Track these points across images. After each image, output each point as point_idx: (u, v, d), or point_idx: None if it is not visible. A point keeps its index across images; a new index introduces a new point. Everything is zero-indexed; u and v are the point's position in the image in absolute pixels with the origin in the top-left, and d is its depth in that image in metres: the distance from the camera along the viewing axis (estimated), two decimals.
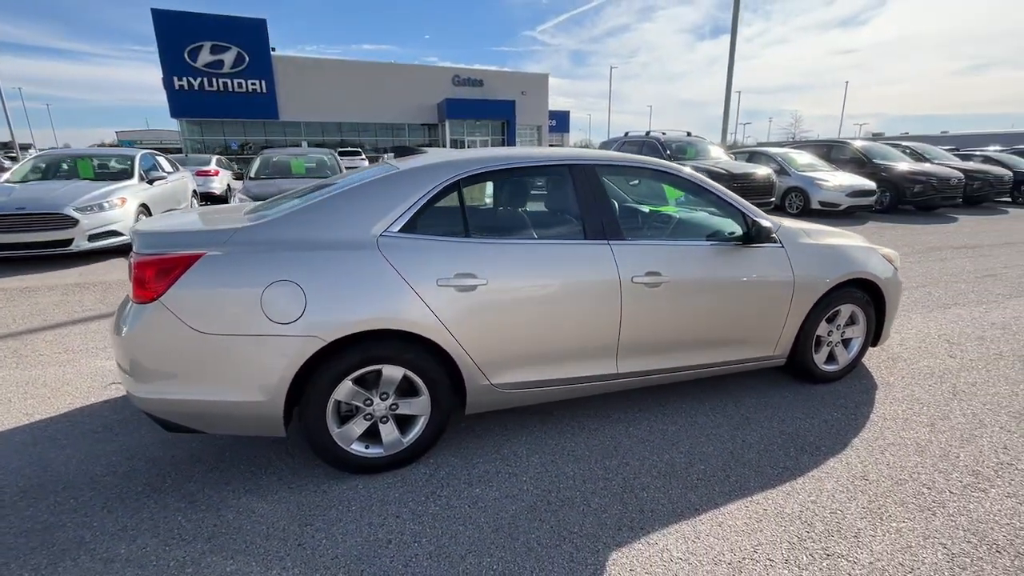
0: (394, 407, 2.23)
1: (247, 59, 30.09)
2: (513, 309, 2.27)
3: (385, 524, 1.96)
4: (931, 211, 11.30)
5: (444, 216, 2.31)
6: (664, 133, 11.72)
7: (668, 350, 2.62)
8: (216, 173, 13.21)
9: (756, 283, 2.71)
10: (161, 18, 28.06)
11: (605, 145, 13.19)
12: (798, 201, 10.66)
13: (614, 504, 2.07)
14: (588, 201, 2.51)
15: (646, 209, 3.57)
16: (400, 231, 2.19)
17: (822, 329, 2.99)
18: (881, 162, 11.47)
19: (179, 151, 29.32)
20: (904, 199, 10.81)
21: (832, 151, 12.33)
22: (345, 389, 2.12)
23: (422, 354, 2.18)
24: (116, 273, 5.84)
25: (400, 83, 34.81)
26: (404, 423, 2.31)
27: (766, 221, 2.76)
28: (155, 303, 1.93)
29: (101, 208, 6.41)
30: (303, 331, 1.99)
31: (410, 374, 2.19)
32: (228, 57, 29.73)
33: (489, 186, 3.15)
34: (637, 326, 2.49)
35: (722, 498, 2.10)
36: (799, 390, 3.02)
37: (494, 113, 34.99)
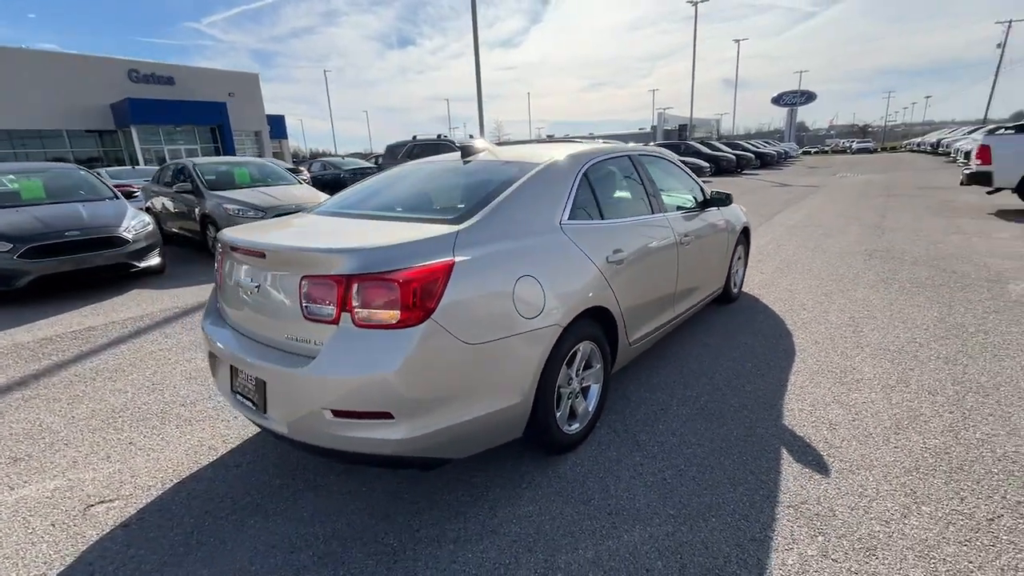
0: (582, 381, 2.45)
1: None
2: (638, 275, 2.74)
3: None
4: (729, 174, 20.40)
5: (585, 202, 2.58)
6: (443, 136, 12.59)
7: (690, 293, 3.48)
8: None
9: (716, 232, 3.83)
10: None
11: (390, 148, 13.27)
12: None
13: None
14: (648, 183, 3.13)
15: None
16: (568, 219, 2.40)
17: (735, 264, 4.37)
18: (706, 151, 22.19)
19: None
20: (720, 169, 21.12)
21: (681, 148, 21.41)
22: (561, 373, 2.25)
23: (599, 327, 2.46)
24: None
25: (44, 78, 25.89)
26: (583, 395, 2.53)
27: (710, 192, 3.88)
28: (428, 322, 1.71)
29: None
30: (546, 322, 2.06)
31: (593, 347, 2.44)
32: None
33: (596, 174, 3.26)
34: (684, 275, 3.27)
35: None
36: (726, 310, 4.35)
37: (199, 117, 29.53)
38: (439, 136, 12.40)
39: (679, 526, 1.91)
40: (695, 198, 3.75)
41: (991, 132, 9.11)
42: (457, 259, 1.84)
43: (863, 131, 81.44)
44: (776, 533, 1.85)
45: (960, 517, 1.89)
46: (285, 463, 2.44)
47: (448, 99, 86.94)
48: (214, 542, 1.95)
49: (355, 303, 1.72)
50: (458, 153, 2.99)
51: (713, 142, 27.85)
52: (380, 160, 13.74)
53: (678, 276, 3.20)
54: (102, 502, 2.22)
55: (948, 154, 24.75)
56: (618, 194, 2.99)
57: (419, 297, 1.71)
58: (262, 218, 6.88)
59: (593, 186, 2.67)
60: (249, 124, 33.72)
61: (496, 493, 2.15)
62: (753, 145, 30.57)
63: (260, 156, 28.91)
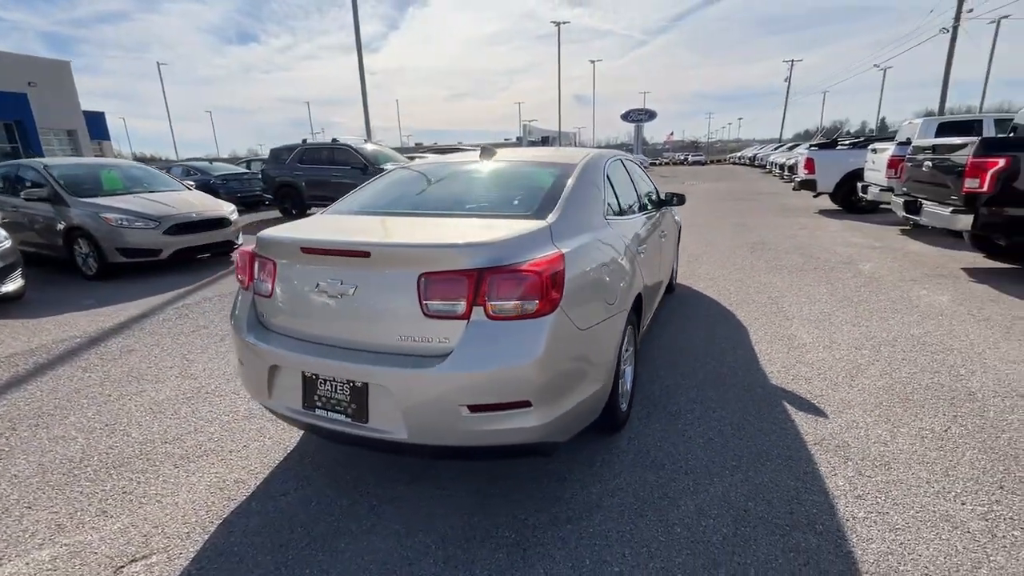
0: (625, 362, 2.67)
1: None
2: (646, 265, 3.04)
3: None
4: None
5: (611, 198, 2.79)
6: (337, 139, 11.97)
7: (662, 284, 3.92)
8: None
9: (674, 228, 4.35)
10: None
11: (275, 153, 12.16)
12: None
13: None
14: (635, 182, 3.47)
15: None
16: (607, 214, 2.60)
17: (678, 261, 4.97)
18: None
19: None
20: None
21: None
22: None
23: (634, 312, 2.71)
24: None
25: None
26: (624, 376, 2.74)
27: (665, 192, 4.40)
28: (557, 311, 1.78)
29: None
30: (621, 307, 2.25)
31: (631, 330, 2.68)
32: None
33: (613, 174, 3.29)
34: (663, 267, 3.68)
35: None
36: (674, 297, 4.93)
37: None
38: (333, 140, 11.69)
39: (746, 473, 2.23)
40: (658, 196, 4.23)
41: (814, 147, 11.40)
42: (564, 250, 1.93)
43: (694, 146, 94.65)
44: (818, 465, 2.27)
45: (926, 432, 2.50)
46: (339, 481, 2.27)
47: (308, 102, 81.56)
48: (315, 572, 1.78)
49: (489, 297, 1.73)
50: (469, 155, 3.03)
51: None
52: (264, 166, 12.48)
53: (660, 267, 3.60)
54: (134, 560, 1.86)
55: (764, 166, 29.93)
56: (624, 192, 3.29)
57: (551, 287, 1.78)
58: (156, 228, 5.94)
59: (612, 184, 2.91)
60: (59, 121, 27.92)
61: (578, 475, 2.27)
62: None
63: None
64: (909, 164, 6.20)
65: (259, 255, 2.13)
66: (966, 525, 1.89)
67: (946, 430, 2.51)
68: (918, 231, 7.98)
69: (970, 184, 4.71)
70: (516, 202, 2.37)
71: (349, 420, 1.87)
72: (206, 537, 1.96)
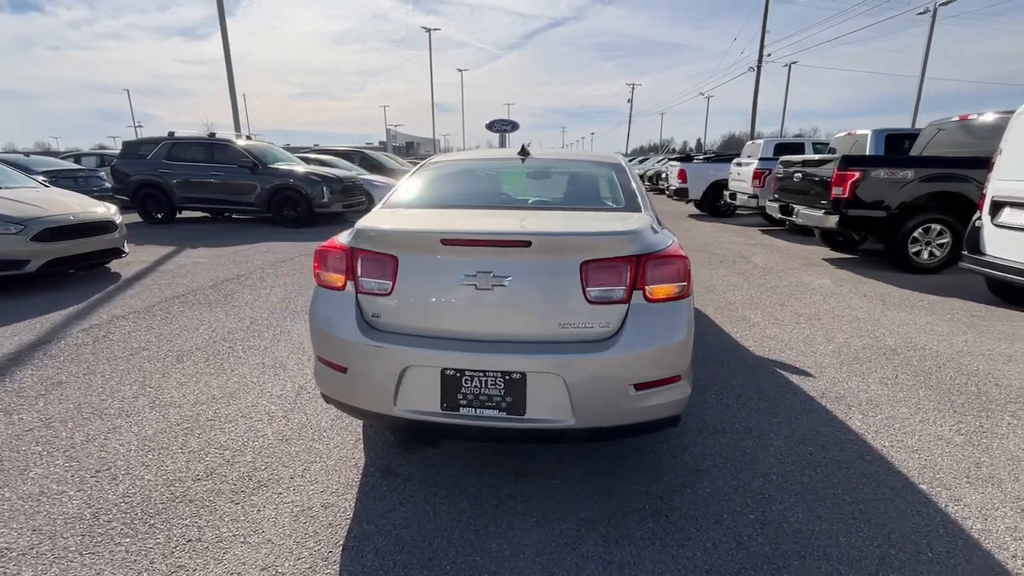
0: None
1: None
2: None
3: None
4: None
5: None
6: (213, 133, 10.59)
7: None
8: None
9: None
10: None
11: (131, 146, 10.24)
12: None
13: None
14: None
15: None
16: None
17: None
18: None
19: None
20: None
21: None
22: None
23: None
24: None
25: None
26: None
27: None
28: (690, 297, 1.96)
29: None
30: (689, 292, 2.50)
31: None
32: None
33: None
34: None
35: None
36: None
37: None
38: (211, 134, 10.21)
39: (791, 426, 2.65)
40: None
41: (684, 159, 13.24)
42: (675, 239, 2.13)
43: None
44: (834, 413, 2.78)
45: (886, 380, 3.19)
46: (439, 488, 2.16)
47: (128, 90, 69.05)
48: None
49: (649, 281, 1.84)
50: (503, 152, 3.07)
51: None
52: (116, 161, 10.37)
53: None
54: None
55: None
56: None
57: (689, 271, 1.96)
58: (20, 234, 4.73)
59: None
60: None
61: (663, 449, 2.46)
62: None
63: None
64: (780, 176, 7.61)
65: (367, 251, 1.94)
66: (952, 440, 2.51)
67: (895, 377, 3.24)
68: (775, 230, 9.75)
69: (836, 191, 5.99)
70: (603, 197, 2.49)
71: (504, 415, 1.82)
72: (337, 568, 1.74)
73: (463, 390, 1.84)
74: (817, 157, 6.75)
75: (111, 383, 3.08)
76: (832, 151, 9.55)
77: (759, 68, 30.31)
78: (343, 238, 2.08)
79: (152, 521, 1.94)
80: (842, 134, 9.61)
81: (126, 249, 5.84)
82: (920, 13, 27.15)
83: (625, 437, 2.30)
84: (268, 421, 2.68)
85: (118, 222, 5.69)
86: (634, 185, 2.56)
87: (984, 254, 4.52)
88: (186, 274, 5.89)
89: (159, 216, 10.20)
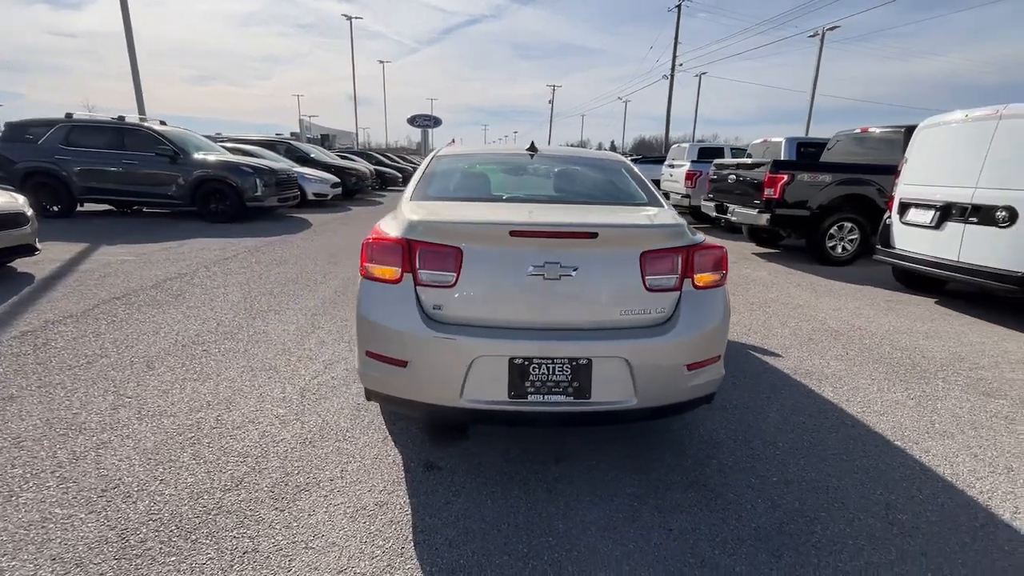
0: None
1: None
2: None
3: None
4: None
5: None
6: (122, 116, 9.48)
7: None
8: None
9: None
10: None
11: (15, 129, 8.84)
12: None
13: None
14: None
15: None
16: None
17: None
18: (339, 163, 14.60)
19: None
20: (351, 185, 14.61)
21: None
22: None
23: None
24: None
25: None
26: None
27: None
28: (726, 284, 2.16)
29: None
30: None
31: None
32: None
33: None
34: None
35: None
36: None
37: None
38: (120, 118, 9.05)
39: (782, 401, 2.96)
40: None
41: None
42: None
43: None
44: (808, 386, 3.15)
45: (839, 357, 3.66)
46: (486, 478, 2.19)
47: None
48: (572, 555, 1.78)
49: (697, 270, 2.00)
50: (515, 148, 3.13)
51: (378, 155, 26.88)
52: None
53: None
54: None
55: None
56: None
57: (727, 260, 2.15)
58: None
59: None
60: None
61: (671, 427, 2.66)
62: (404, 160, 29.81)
63: None
64: (714, 177, 8.29)
65: (429, 243, 1.91)
66: (906, 403, 2.96)
67: (847, 354, 3.72)
68: (705, 228, 10.58)
69: (768, 192, 6.66)
70: (626, 193, 2.63)
71: (571, 399, 1.90)
72: (416, 562, 1.73)
73: (531, 378, 1.89)
74: (750, 161, 7.46)
75: (77, 394, 2.73)
76: (749, 155, 10.54)
77: (672, 77, 32.48)
78: (391, 230, 2.03)
79: (193, 536, 1.79)
80: (758, 140, 10.63)
81: (39, 246, 5.10)
82: (811, 36, 30.58)
83: (675, 414, 2.42)
84: (281, 425, 2.53)
85: (29, 214, 4.96)
86: (647, 182, 2.74)
87: (894, 248, 5.28)
88: (116, 273, 5.26)
89: (55, 209, 8.93)
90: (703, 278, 2.04)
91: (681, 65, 32.46)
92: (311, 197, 12.01)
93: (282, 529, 1.85)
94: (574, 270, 1.90)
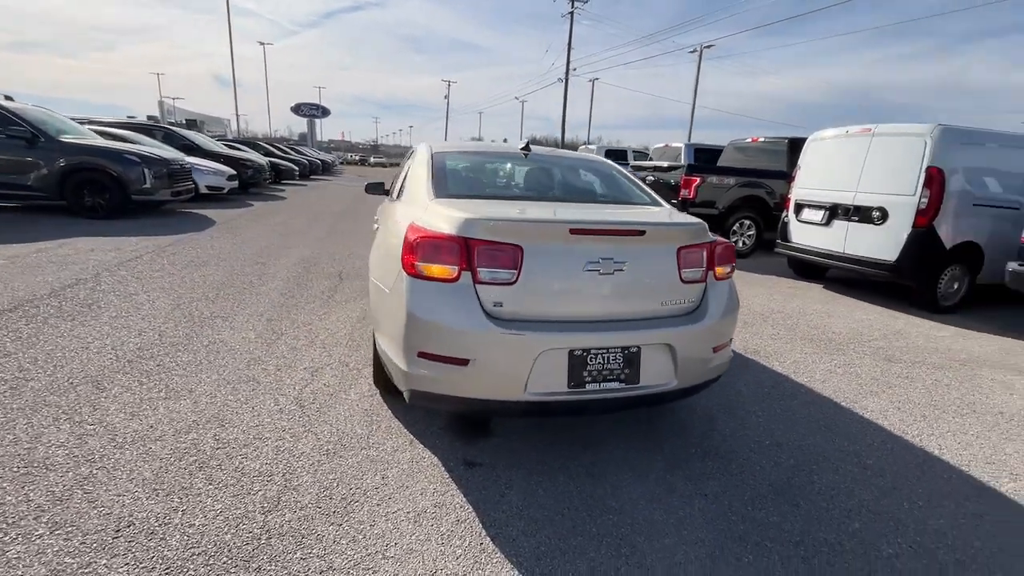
0: None
1: None
2: None
3: None
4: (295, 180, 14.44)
5: None
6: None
7: None
8: None
9: None
10: None
11: None
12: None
13: None
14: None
15: None
16: None
17: None
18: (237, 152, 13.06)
19: None
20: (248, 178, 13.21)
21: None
22: None
23: None
24: None
25: None
26: None
27: None
28: (734, 276, 2.45)
29: None
30: None
31: None
32: None
33: None
34: None
35: None
36: None
37: None
38: (5, 96, 7.29)
39: (747, 377, 3.39)
40: None
41: None
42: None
43: (375, 148, 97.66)
44: (772, 364, 3.63)
45: (783, 338, 4.24)
46: (530, 472, 2.27)
47: None
48: (640, 539, 1.93)
49: (718, 263, 2.25)
50: (510, 148, 3.18)
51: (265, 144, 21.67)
52: None
53: None
54: None
55: None
56: None
57: (736, 254, 2.43)
58: None
59: None
60: None
61: (670, 407, 2.94)
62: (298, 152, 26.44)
63: None
64: None
65: (489, 240, 1.92)
66: (835, 371, 3.56)
67: (779, 334, 4.33)
68: None
69: (683, 193, 7.40)
70: (629, 192, 2.81)
71: (623, 385, 2.04)
72: (500, 555, 1.76)
73: (588, 367, 2.00)
74: (666, 164, 8.20)
75: (18, 429, 2.27)
76: (650, 158, 11.53)
77: (567, 81, 34.08)
78: (445, 227, 1.99)
79: (255, 564, 1.64)
80: (660, 144, 11.68)
81: None
82: (691, 51, 34.04)
83: (698, 392, 2.54)
84: (293, 439, 2.35)
85: None
86: (640, 183, 2.98)
87: (791, 242, 6.20)
88: None
89: None
90: (721, 270, 2.31)
91: (575, 70, 34.23)
92: (203, 191, 10.74)
93: (350, 543, 1.76)
94: (625, 264, 2.04)
